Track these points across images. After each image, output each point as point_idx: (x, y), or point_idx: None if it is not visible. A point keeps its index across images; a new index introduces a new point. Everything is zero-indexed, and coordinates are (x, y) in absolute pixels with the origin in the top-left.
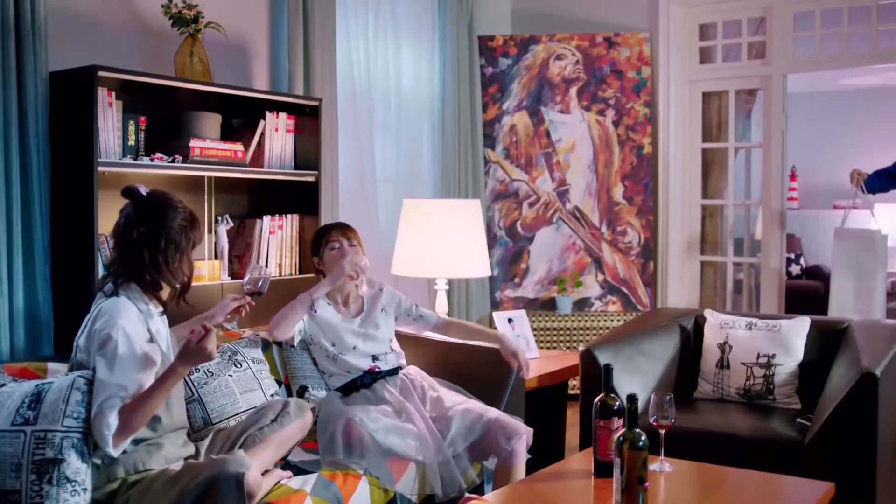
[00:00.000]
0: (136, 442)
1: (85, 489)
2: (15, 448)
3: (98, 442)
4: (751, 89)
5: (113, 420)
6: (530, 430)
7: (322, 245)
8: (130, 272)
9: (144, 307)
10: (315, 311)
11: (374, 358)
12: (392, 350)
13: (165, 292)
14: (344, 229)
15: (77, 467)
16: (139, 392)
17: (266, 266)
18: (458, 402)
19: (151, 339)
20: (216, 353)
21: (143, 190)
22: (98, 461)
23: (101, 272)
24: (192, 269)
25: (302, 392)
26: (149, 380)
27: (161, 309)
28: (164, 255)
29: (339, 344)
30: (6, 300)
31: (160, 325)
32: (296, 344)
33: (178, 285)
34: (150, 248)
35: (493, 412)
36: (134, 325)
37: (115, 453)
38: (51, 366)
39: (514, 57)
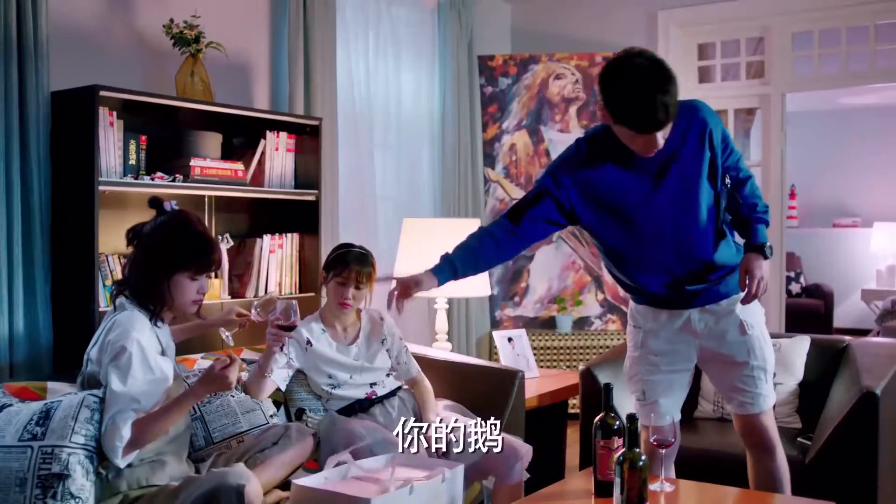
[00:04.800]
0: (141, 457)
1: None
2: (21, 463)
3: (107, 453)
4: (750, 108)
5: (126, 432)
6: (529, 449)
7: (333, 272)
8: (125, 287)
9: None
10: (311, 345)
11: (372, 385)
12: (389, 375)
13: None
14: (361, 269)
15: (82, 484)
16: (154, 405)
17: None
18: (458, 425)
19: (163, 352)
20: (235, 384)
21: (168, 206)
22: (103, 472)
23: (101, 291)
24: (188, 294)
25: (300, 414)
26: (161, 392)
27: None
28: (144, 272)
29: (334, 377)
30: (6, 319)
31: (169, 339)
32: (283, 388)
33: (153, 305)
34: (138, 265)
35: None
36: (148, 338)
37: (122, 464)
38: (51, 385)
39: (514, 76)
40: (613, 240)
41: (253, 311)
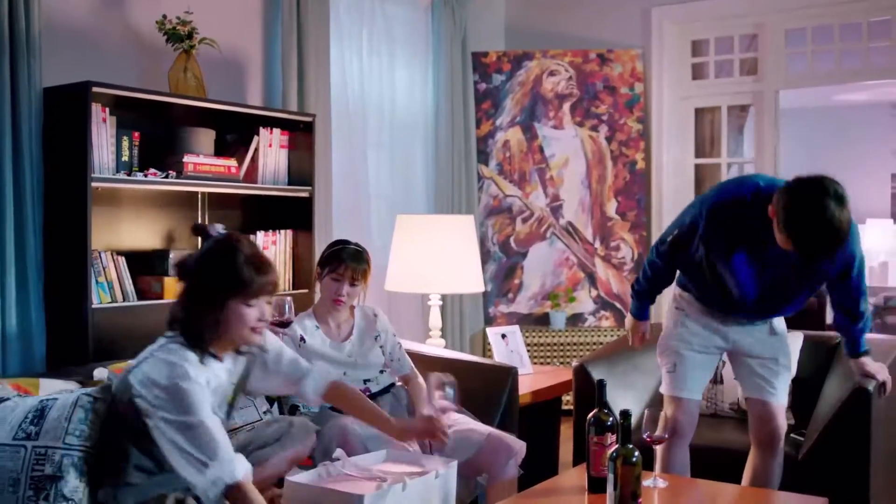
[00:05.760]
0: (144, 474)
1: None
2: (14, 463)
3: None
4: (743, 105)
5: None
6: (523, 445)
7: (328, 268)
8: (176, 326)
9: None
10: (304, 342)
11: (366, 381)
12: (383, 371)
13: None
14: (357, 266)
15: (75, 486)
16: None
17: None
18: (449, 422)
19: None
20: None
21: (214, 230)
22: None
23: (94, 288)
24: (247, 321)
25: (293, 411)
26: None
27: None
28: (196, 304)
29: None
30: None
31: (221, 373)
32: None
33: (205, 342)
34: (188, 298)
35: (485, 429)
36: (196, 373)
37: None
38: (43, 382)
39: (508, 73)
40: (715, 280)
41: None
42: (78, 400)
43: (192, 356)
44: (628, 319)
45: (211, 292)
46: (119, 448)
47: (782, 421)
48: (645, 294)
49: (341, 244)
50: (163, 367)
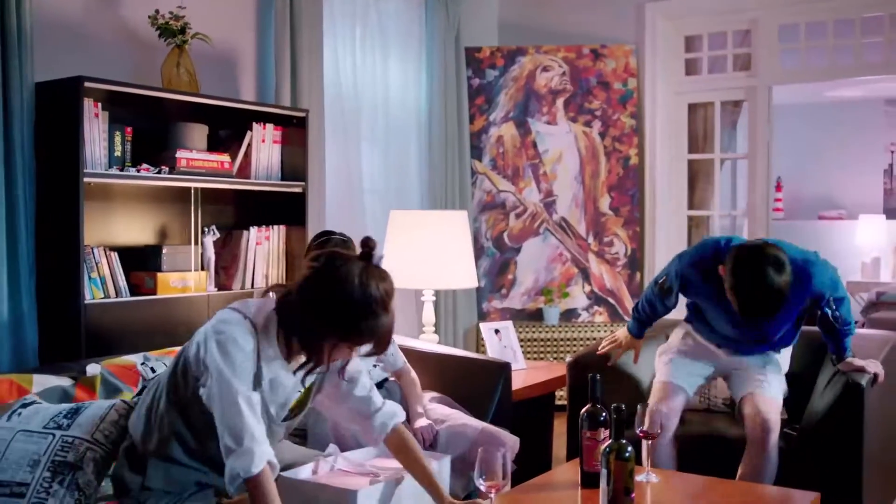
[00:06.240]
0: (182, 449)
1: None
2: (39, 446)
3: (230, 481)
4: (736, 101)
5: (268, 448)
6: (516, 441)
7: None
8: (278, 312)
9: (270, 349)
10: None
11: None
12: (376, 366)
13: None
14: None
15: (90, 480)
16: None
17: None
18: (442, 416)
19: (257, 384)
20: None
21: (378, 258)
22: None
23: (87, 284)
24: (340, 356)
25: None
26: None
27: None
28: (297, 315)
29: None
30: None
31: (283, 375)
32: None
33: (304, 361)
34: (300, 305)
35: (478, 424)
36: (242, 351)
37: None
38: (36, 378)
39: (501, 68)
40: (702, 316)
41: None
42: (115, 404)
43: (248, 333)
44: (623, 333)
45: (321, 324)
46: (167, 418)
47: (773, 415)
48: (644, 321)
49: (326, 235)
50: (212, 327)
